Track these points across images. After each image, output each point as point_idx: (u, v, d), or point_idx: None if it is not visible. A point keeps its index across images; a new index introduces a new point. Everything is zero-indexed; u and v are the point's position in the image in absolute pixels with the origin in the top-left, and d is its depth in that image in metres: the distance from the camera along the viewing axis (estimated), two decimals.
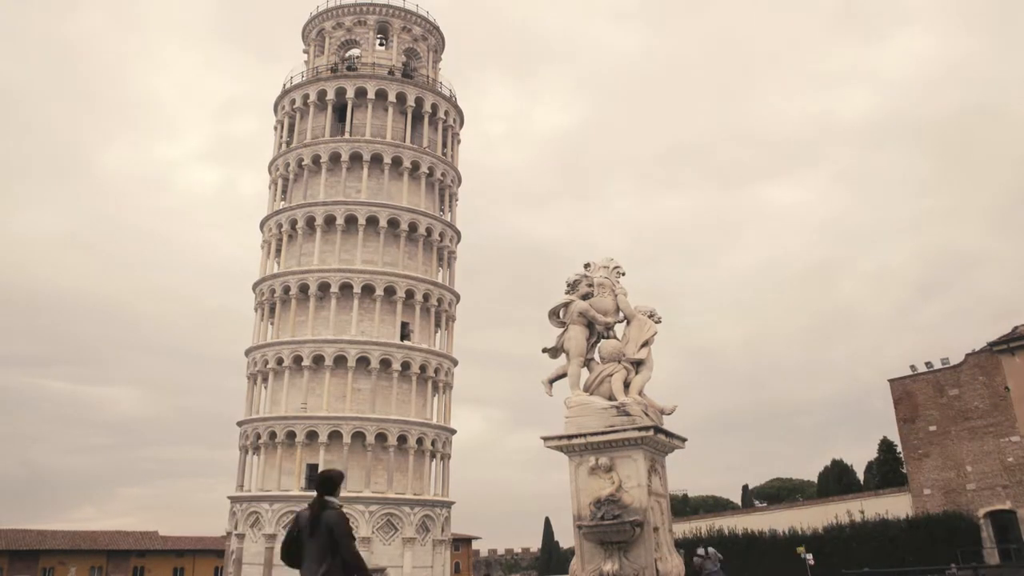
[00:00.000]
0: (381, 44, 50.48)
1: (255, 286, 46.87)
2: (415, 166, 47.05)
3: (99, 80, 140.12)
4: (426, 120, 48.57)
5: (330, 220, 44.81)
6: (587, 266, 12.00)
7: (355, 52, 50.18)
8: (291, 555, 6.10)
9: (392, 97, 47.41)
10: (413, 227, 45.82)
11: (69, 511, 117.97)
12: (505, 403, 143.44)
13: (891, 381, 40.38)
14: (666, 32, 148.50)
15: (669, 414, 11.15)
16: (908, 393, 39.35)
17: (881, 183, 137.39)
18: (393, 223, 45.13)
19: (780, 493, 78.98)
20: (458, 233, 49.84)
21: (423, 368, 44.28)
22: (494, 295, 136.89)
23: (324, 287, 43.81)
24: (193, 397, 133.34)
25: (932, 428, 37.94)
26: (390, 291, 44.06)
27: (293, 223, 45.69)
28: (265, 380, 44.50)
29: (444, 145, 50.03)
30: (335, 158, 46.23)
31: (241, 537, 41.31)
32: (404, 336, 44.36)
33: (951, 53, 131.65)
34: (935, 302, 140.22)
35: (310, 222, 45.21)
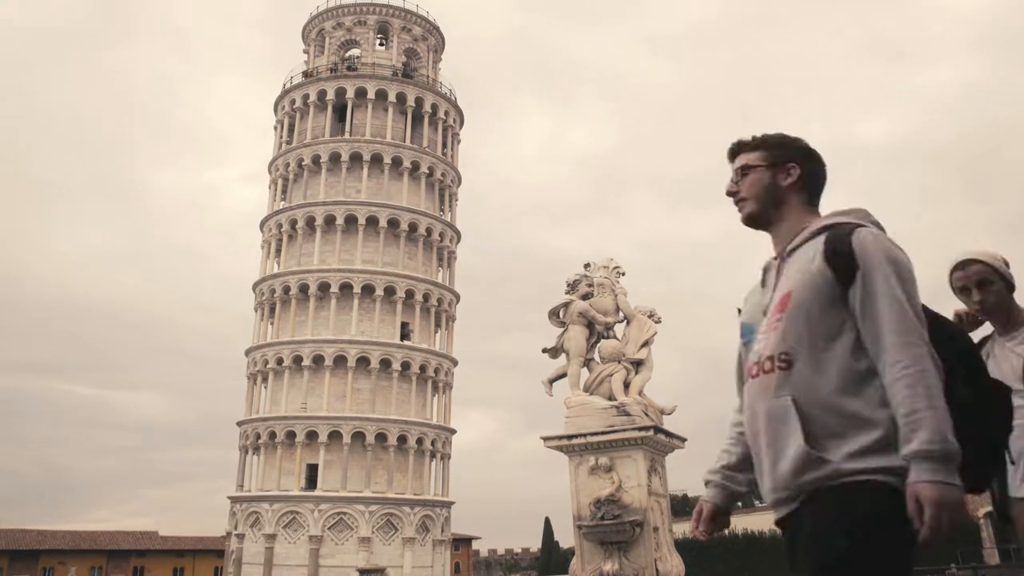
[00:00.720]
0: (381, 44, 50.49)
1: (255, 286, 46.88)
2: (415, 166, 47.06)
3: (151, 103, 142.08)
4: (426, 120, 48.58)
5: (330, 220, 44.82)
6: (587, 266, 11.99)
7: (355, 52, 50.19)
8: None
9: (392, 97, 47.41)
10: (413, 227, 45.84)
11: (86, 512, 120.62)
12: (508, 404, 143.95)
13: None
14: (693, 60, 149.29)
15: (669, 414, 11.16)
16: None
17: (896, 202, 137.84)
18: (393, 223, 45.14)
19: None
20: (458, 233, 49.85)
21: (423, 368, 44.30)
22: (523, 303, 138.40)
23: (324, 287, 43.82)
24: (215, 401, 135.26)
25: None
26: (390, 291, 44.07)
27: (293, 223, 45.69)
28: (265, 380, 44.52)
29: (444, 145, 50.06)
30: (335, 158, 46.24)
31: (241, 537, 41.32)
32: (404, 336, 44.37)
33: (970, 77, 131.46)
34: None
35: (310, 222, 45.22)
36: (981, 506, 35.44)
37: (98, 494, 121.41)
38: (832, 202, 2.44)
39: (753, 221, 2.47)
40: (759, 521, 43.17)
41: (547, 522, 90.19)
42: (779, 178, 2.41)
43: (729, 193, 2.52)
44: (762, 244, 2.46)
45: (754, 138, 2.52)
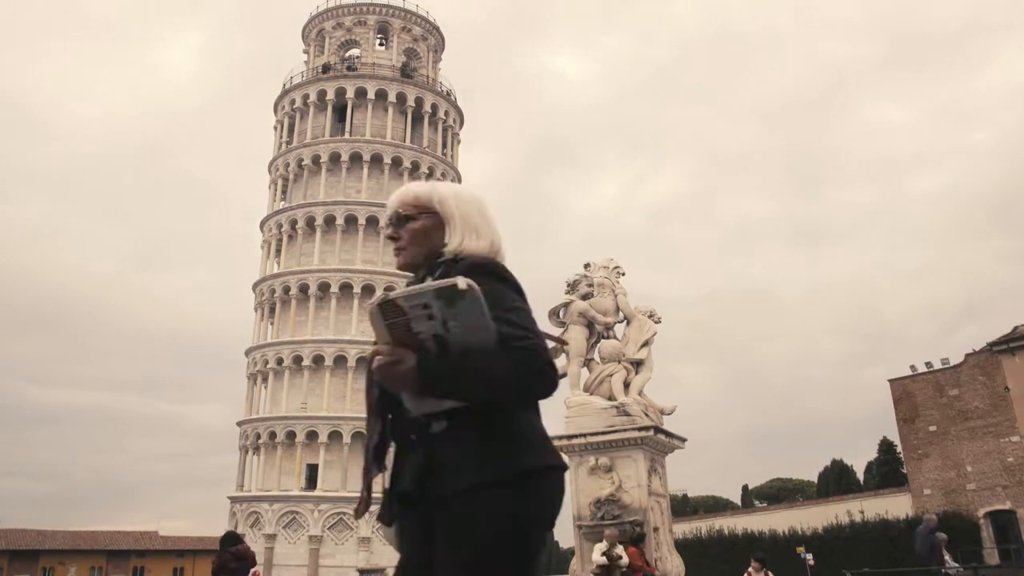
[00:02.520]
0: (381, 44, 50.47)
1: (255, 286, 46.87)
2: (415, 166, 47.05)
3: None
4: (426, 120, 48.57)
5: (330, 220, 44.82)
6: (587, 266, 11.98)
7: (355, 52, 50.18)
8: None
9: (392, 97, 47.41)
10: None
11: (130, 514, 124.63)
12: None
13: (891, 381, 40.35)
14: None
15: (669, 414, 11.16)
16: (908, 393, 39.33)
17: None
18: None
19: (780, 493, 78.87)
20: None
21: None
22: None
23: (324, 287, 43.82)
24: None
25: (932, 428, 37.92)
26: (390, 291, 43.99)
27: (293, 223, 45.69)
28: (265, 380, 44.51)
29: (444, 145, 50.05)
30: (335, 158, 46.23)
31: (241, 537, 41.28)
32: None
33: None
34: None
35: (310, 222, 45.22)
36: (981, 506, 35.47)
37: (148, 498, 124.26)
38: None
39: None
40: (759, 521, 43.17)
41: None
42: None
43: None
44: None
45: None
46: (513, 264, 2.09)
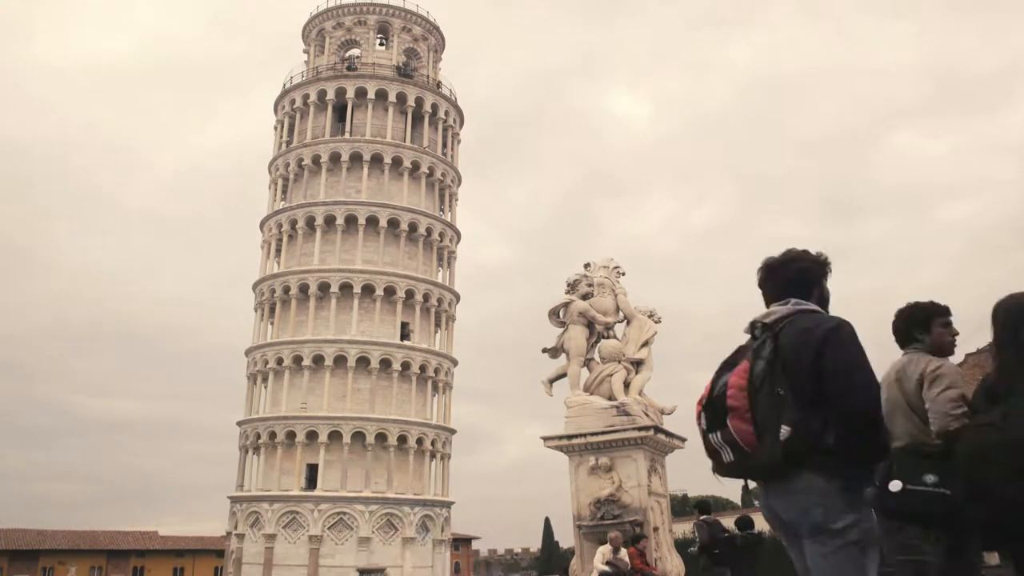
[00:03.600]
0: (381, 44, 50.45)
1: (255, 286, 46.86)
2: (415, 166, 47.04)
3: None
4: (426, 120, 48.56)
5: (330, 220, 44.81)
6: (587, 266, 11.96)
7: (355, 52, 50.16)
8: None
9: (392, 97, 47.40)
10: (413, 227, 45.83)
11: (158, 516, 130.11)
12: (510, 402, 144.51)
13: None
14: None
15: (669, 414, 11.15)
16: None
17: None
18: (393, 223, 45.13)
19: None
20: (458, 233, 49.84)
21: (423, 368, 44.29)
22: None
23: (324, 287, 43.81)
24: None
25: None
26: (390, 291, 44.07)
27: (293, 223, 45.69)
28: (265, 380, 44.51)
29: (444, 145, 50.04)
30: (335, 158, 46.23)
31: (241, 537, 41.31)
32: (404, 336, 44.37)
33: None
34: None
35: (310, 222, 45.21)
36: None
37: (183, 499, 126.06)
38: None
39: None
40: (759, 521, 43.13)
41: (547, 522, 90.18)
42: None
43: None
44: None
45: None
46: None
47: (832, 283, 3.19)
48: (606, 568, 9.00)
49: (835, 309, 3.22)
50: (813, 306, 3.07)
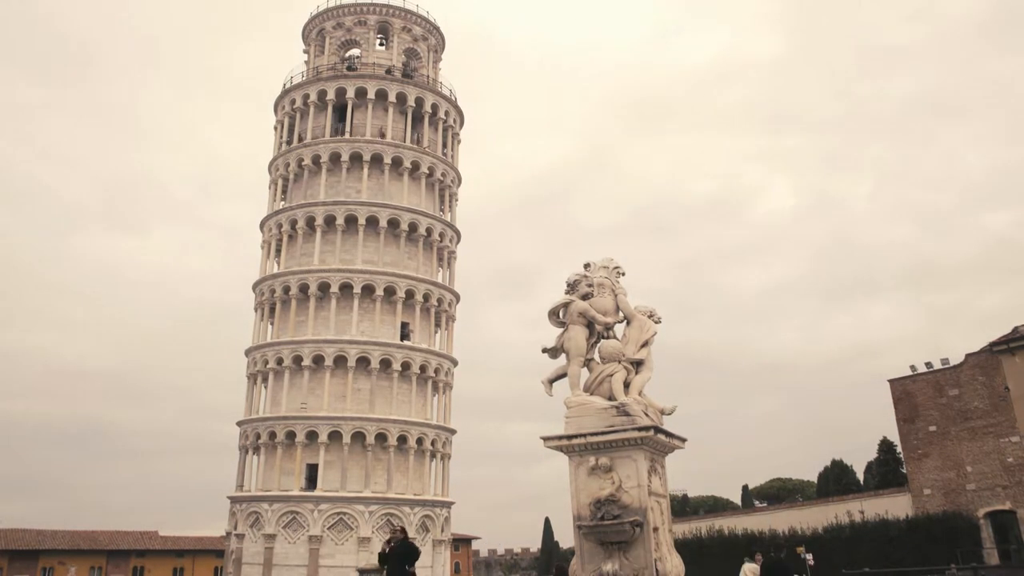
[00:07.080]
0: (381, 44, 50.48)
1: (255, 286, 46.86)
2: (415, 166, 47.06)
3: None
4: (426, 120, 48.57)
5: (330, 220, 44.82)
6: (587, 266, 11.95)
7: (355, 52, 50.20)
8: None
9: (392, 97, 47.41)
10: (413, 227, 45.83)
11: (188, 521, 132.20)
12: (509, 403, 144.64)
13: (891, 381, 40.32)
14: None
15: (669, 414, 11.14)
16: (908, 393, 39.30)
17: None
18: (393, 223, 45.13)
19: (780, 493, 78.90)
20: (458, 233, 49.84)
21: (423, 368, 44.29)
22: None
23: (324, 287, 43.81)
24: None
25: (932, 428, 37.90)
26: (390, 291, 44.07)
27: (293, 223, 45.70)
28: (265, 380, 44.51)
29: (444, 145, 50.06)
30: (335, 158, 46.24)
31: (241, 537, 41.31)
32: (404, 336, 44.36)
33: None
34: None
35: (310, 222, 45.22)
36: (981, 506, 35.45)
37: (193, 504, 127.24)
38: None
39: None
40: (759, 521, 43.17)
41: (547, 522, 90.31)
42: None
43: None
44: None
45: None
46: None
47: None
48: None
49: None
50: None
